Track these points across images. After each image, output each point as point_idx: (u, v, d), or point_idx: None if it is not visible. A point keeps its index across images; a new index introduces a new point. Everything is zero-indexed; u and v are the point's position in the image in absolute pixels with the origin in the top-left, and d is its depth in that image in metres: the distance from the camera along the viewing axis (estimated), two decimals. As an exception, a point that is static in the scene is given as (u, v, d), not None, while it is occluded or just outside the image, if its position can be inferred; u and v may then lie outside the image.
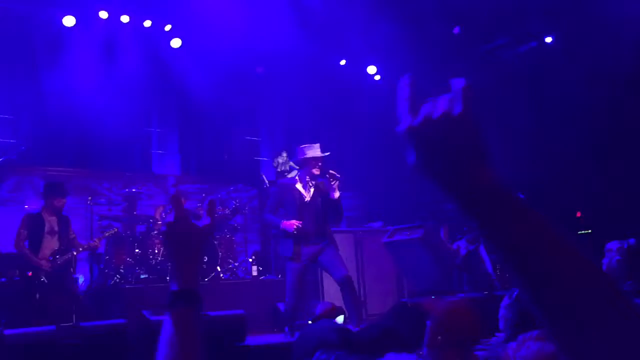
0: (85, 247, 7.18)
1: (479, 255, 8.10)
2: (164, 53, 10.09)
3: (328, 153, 6.32)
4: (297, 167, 6.57)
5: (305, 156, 6.22)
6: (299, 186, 6.28)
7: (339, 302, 8.39)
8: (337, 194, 6.13)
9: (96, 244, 7.31)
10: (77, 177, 8.94)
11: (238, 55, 10.18)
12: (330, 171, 6.13)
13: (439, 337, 2.37)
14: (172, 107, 10.77)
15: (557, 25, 10.03)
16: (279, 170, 10.15)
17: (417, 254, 8.23)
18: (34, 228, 6.85)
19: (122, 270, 7.73)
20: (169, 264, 1.34)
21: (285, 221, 6.13)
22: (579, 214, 9.22)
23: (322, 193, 6.25)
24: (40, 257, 6.74)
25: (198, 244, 1.32)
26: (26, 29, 8.98)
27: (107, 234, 7.55)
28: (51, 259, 6.78)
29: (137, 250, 7.90)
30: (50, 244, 6.86)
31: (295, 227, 6.04)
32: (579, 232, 8.79)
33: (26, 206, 8.42)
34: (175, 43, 10.05)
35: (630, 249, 4.20)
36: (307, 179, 6.27)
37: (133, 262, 7.77)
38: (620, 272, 4.18)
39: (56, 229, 6.93)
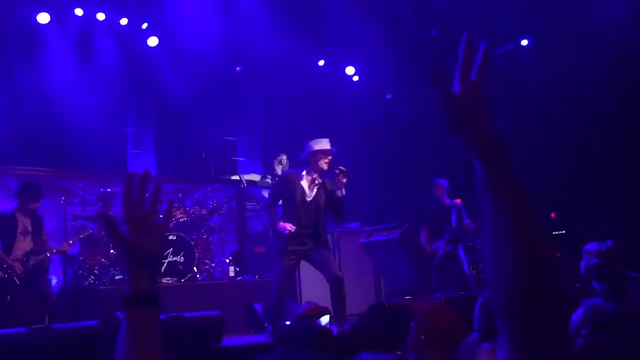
0: (55, 251, 7.06)
1: (458, 256, 8.16)
2: (140, 52, 9.99)
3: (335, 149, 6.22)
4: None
5: (313, 149, 6.09)
6: (304, 183, 6.12)
7: (316, 302, 8.39)
8: (344, 192, 5.98)
9: (65, 248, 7.18)
10: (51, 176, 8.78)
11: (216, 54, 10.12)
12: (340, 167, 5.99)
13: (423, 337, 2.38)
14: (148, 106, 10.66)
15: (532, 28, 10.15)
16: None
17: (395, 254, 8.27)
18: (6, 228, 6.72)
19: (96, 271, 7.63)
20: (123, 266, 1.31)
21: (281, 222, 6.01)
22: (553, 215, 9.33)
23: (326, 192, 6.12)
24: (13, 258, 6.61)
25: (154, 244, 1.30)
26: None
27: (81, 236, 7.45)
28: (24, 260, 6.67)
29: (111, 251, 7.79)
30: (23, 244, 6.74)
31: (288, 231, 5.92)
32: (553, 233, 8.90)
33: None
34: (152, 42, 9.95)
35: (608, 251, 4.26)
36: (313, 177, 6.13)
37: (107, 263, 7.67)
38: (596, 275, 4.23)
39: (29, 229, 6.81)
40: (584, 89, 8.85)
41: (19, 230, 6.73)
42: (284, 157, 10.26)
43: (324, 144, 6.16)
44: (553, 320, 0.92)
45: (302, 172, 6.20)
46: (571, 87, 8.99)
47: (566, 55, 9.03)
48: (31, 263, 6.69)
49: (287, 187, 6.17)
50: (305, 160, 6.24)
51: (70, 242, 7.31)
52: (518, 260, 0.92)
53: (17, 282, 6.55)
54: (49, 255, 6.91)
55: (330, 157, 6.11)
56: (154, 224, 1.32)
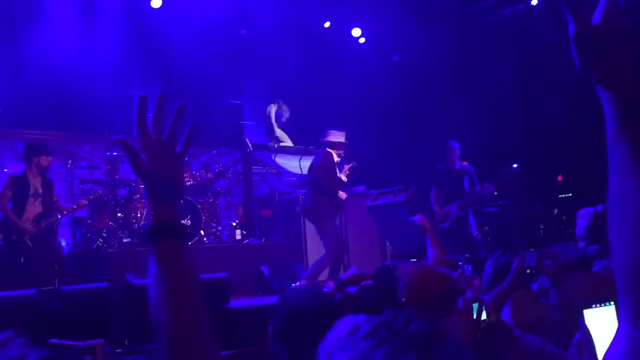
0: (70, 209, 7.12)
1: (468, 220, 8.15)
2: (144, 13, 9.87)
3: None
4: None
5: (333, 140, 7.29)
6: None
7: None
8: (345, 180, 7.39)
9: (84, 203, 7.25)
10: (57, 140, 8.78)
11: (221, 16, 9.99)
12: (354, 162, 7.41)
13: (405, 299, 2.41)
14: (153, 69, 10.58)
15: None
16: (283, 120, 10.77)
17: (401, 217, 8.27)
18: (18, 190, 6.73)
19: (104, 234, 7.69)
20: (146, 199, 1.25)
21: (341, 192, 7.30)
22: (560, 178, 9.30)
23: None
24: (24, 220, 6.65)
25: (173, 172, 1.25)
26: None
27: (91, 197, 7.49)
28: (35, 222, 6.71)
29: (119, 214, 7.84)
30: (34, 207, 6.77)
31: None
32: (560, 195, 8.88)
33: (5, 169, 8.28)
34: (156, 3, 9.82)
35: (597, 215, 4.27)
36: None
37: (115, 225, 7.72)
38: (587, 238, 4.26)
39: (40, 191, 6.83)
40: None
41: (30, 192, 6.74)
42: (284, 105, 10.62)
43: (341, 137, 7.36)
44: None
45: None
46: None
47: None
48: (42, 225, 6.72)
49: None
50: (326, 144, 7.35)
51: (83, 202, 7.34)
52: None
53: (29, 244, 6.60)
54: (59, 216, 6.97)
55: (343, 150, 7.36)
56: (172, 150, 1.26)
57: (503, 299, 2.55)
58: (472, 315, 2.10)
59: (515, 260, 2.65)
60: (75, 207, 7.22)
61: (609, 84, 0.89)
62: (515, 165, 8.04)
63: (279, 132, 11.01)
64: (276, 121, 11.01)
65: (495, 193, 8.36)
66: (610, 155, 0.89)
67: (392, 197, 8.42)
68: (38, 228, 6.68)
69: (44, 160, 6.83)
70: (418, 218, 4.14)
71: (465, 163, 8.37)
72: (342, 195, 7.32)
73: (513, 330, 2.26)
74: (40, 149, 6.91)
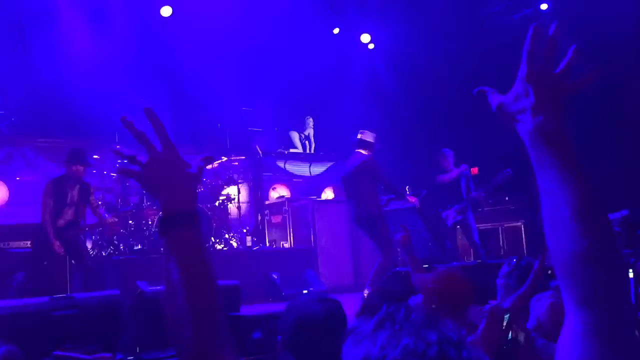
0: (95, 225, 7.13)
1: (467, 224, 8.11)
2: (154, 22, 9.93)
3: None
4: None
5: (372, 141, 7.22)
6: None
7: (331, 271, 8.45)
8: None
9: (114, 220, 7.10)
10: (68, 148, 8.83)
11: (231, 23, 10.03)
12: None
13: (433, 305, 2.41)
14: (163, 76, 10.63)
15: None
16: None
17: (412, 222, 8.25)
18: (57, 198, 6.66)
19: (115, 242, 7.72)
20: (156, 193, 1.23)
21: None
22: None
23: None
24: (58, 226, 6.58)
25: (184, 168, 1.23)
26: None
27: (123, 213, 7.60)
28: (65, 229, 6.62)
29: (130, 222, 7.87)
30: (67, 215, 6.70)
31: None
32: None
33: (17, 178, 8.35)
34: (166, 11, 9.88)
35: (626, 219, 4.24)
36: None
37: (126, 233, 7.75)
38: (619, 242, 4.21)
39: (75, 199, 6.74)
40: (604, 54, 8.65)
41: (67, 201, 6.68)
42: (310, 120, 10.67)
43: (373, 138, 7.28)
44: (612, 281, 1.00)
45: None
46: (591, 53, 8.78)
47: (587, 19, 8.82)
48: (72, 233, 6.66)
49: None
50: (364, 144, 7.17)
51: (114, 219, 7.20)
52: (579, 228, 1.01)
53: (57, 252, 6.52)
54: (86, 229, 6.95)
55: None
56: (181, 163, 1.25)
57: (525, 302, 2.53)
58: (502, 324, 2.06)
59: (535, 262, 2.64)
60: (101, 223, 7.08)
61: (545, 136, 1.06)
62: (508, 170, 7.99)
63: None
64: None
65: (484, 196, 8.37)
66: (537, 177, 1.07)
67: (403, 202, 8.40)
68: (66, 236, 6.59)
69: (77, 169, 6.73)
70: (398, 236, 4.26)
71: (463, 165, 8.30)
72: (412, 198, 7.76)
73: (536, 340, 2.22)
74: (78, 156, 6.81)
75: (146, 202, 7.94)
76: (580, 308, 1.00)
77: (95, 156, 7.53)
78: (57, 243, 6.50)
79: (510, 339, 2.05)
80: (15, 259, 6.60)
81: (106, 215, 7.10)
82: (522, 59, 1.11)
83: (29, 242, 6.68)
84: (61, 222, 6.63)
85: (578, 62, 1.12)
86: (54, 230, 6.53)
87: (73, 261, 6.66)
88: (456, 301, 2.54)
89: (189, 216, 1.19)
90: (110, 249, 7.62)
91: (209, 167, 8.78)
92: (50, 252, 6.53)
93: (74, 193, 6.73)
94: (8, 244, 6.67)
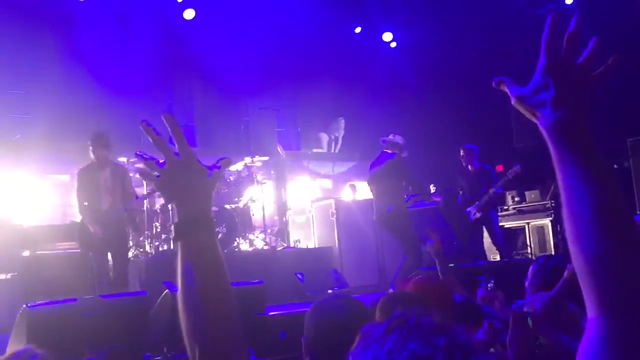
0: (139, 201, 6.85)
1: (490, 223, 8.03)
2: (177, 25, 10.02)
3: None
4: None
5: (402, 143, 7.18)
6: None
7: (356, 271, 8.44)
8: None
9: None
10: (94, 150, 8.95)
11: (253, 25, 10.08)
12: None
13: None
14: (187, 78, 10.74)
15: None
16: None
17: (435, 222, 8.20)
18: (90, 184, 6.31)
19: (142, 242, 7.81)
20: (171, 198, 1.22)
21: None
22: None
23: None
24: (97, 215, 6.23)
25: (201, 174, 1.22)
26: (39, 2, 8.94)
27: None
28: (106, 216, 6.27)
29: (155, 223, 7.96)
30: (105, 200, 6.33)
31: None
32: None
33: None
34: (189, 14, 9.97)
35: None
36: None
37: (153, 234, 7.84)
38: None
39: (110, 184, 6.38)
40: (629, 49, 8.51)
41: (101, 186, 6.34)
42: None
43: (401, 140, 7.26)
44: (635, 286, 0.93)
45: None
46: (616, 48, 8.64)
47: (614, 13, 8.68)
48: (112, 219, 6.29)
49: None
50: (392, 144, 7.16)
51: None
52: (600, 229, 0.95)
53: (97, 235, 6.16)
54: (128, 210, 6.53)
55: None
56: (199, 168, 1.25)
57: (556, 306, 2.45)
58: (526, 327, 2.00)
59: (567, 266, 2.56)
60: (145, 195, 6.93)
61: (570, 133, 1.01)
62: (517, 165, 7.89)
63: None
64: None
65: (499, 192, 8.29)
66: (557, 173, 1.02)
67: (426, 201, 8.36)
68: (107, 223, 6.23)
69: (100, 153, 6.33)
70: (430, 242, 4.18)
71: (485, 164, 8.24)
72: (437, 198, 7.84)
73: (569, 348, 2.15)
74: (100, 140, 6.42)
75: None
76: (602, 315, 0.94)
77: (121, 159, 7.56)
78: (96, 226, 6.16)
79: (539, 344, 1.98)
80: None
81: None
82: (541, 49, 1.05)
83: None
84: (101, 207, 6.29)
85: (600, 54, 1.07)
86: (92, 216, 6.20)
87: (110, 253, 6.30)
88: (434, 308, 2.47)
89: (204, 221, 1.19)
90: (138, 250, 7.72)
91: (232, 168, 8.83)
92: (92, 243, 6.22)
93: (107, 177, 6.39)
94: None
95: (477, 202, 8.04)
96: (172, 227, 1.20)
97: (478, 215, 8.00)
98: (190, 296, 1.15)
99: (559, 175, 1.02)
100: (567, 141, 1.01)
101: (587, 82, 1.04)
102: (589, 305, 0.97)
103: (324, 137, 11.81)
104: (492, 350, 2.08)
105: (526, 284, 3.01)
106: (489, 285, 3.48)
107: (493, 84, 1.14)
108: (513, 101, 1.10)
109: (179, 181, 1.21)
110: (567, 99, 1.02)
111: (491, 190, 7.91)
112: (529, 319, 1.99)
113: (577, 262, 0.98)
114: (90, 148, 6.41)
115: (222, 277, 1.18)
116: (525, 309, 2.15)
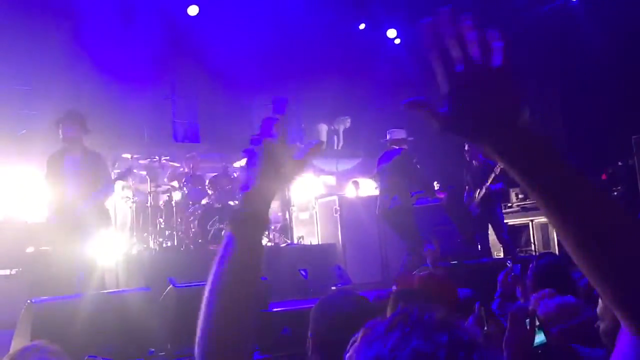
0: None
1: (494, 219, 8.00)
2: (181, 21, 10.03)
3: None
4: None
5: (403, 136, 7.31)
6: None
7: (359, 267, 8.44)
8: None
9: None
10: (98, 146, 8.98)
11: (257, 21, 10.07)
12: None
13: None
14: (191, 75, 10.74)
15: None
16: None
17: (439, 219, 8.21)
18: (53, 170, 5.77)
19: (146, 239, 7.83)
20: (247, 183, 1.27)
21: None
22: (604, 176, 9.09)
23: None
24: (67, 203, 5.62)
25: (280, 168, 1.28)
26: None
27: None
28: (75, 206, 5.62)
29: (159, 219, 7.97)
30: (72, 188, 5.70)
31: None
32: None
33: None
34: (193, 10, 9.97)
35: None
36: None
37: (157, 231, 7.85)
38: None
39: (79, 168, 5.74)
40: (633, 46, 8.48)
41: (66, 171, 5.74)
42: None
43: (404, 134, 7.39)
44: None
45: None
46: (625, 46, 8.62)
47: (620, 10, 8.65)
48: (77, 210, 5.61)
49: None
50: (396, 141, 7.28)
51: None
52: (600, 251, 0.87)
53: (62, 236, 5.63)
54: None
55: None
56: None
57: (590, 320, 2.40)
58: (524, 326, 1.98)
59: (575, 274, 2.53)
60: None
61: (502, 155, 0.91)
62: None
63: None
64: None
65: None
66: None
67: (429, 198, 8.35)
68: (73, 216, 5.57)
69: (71, 134, 5.75)
70: (430, 247, 4.26)
71: (489, 160, 8.21)
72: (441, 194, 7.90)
73: (579, 349, 2.12)
74: (68, 116, 5.83)
75: (175, 200, 8.03)
76: (630, 323, 0.89)
77: (125, 155, 7.57)
78: (52, 217, 5.67)
79: (543, 343, 1.95)
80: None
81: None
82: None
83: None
84: (65, 197, 5.69)
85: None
86: (53, 206, 5.69)
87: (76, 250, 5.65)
88: (441, 305, 2.42)
89: (263, 220, 1.22)
90: (143, 246, 7.74)
91: (236, 164, 8.84)
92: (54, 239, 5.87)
93: (76, 160, 5.83)
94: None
95: (479, 198, 8.03)
96: (235, 213, 1.21)
97: (478, 211, 7.98)
98: (224, 285, 1.16)
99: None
100: (511, 168, 0.91)
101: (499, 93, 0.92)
102: (621, 320, 0.91)
103: (324, 128, 11.80)
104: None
105: (527, 282, 3.04)
106: (512, 273, 3.49)
107: (402, 104, 1.04)
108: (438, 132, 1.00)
109: (277, 172, 1.27)
110: (481, 132, 0.94)
111: (484, 186, 7.89)
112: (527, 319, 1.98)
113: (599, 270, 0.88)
114: (61, 128, 5.77)
115: (258, 277, 1.22)
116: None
